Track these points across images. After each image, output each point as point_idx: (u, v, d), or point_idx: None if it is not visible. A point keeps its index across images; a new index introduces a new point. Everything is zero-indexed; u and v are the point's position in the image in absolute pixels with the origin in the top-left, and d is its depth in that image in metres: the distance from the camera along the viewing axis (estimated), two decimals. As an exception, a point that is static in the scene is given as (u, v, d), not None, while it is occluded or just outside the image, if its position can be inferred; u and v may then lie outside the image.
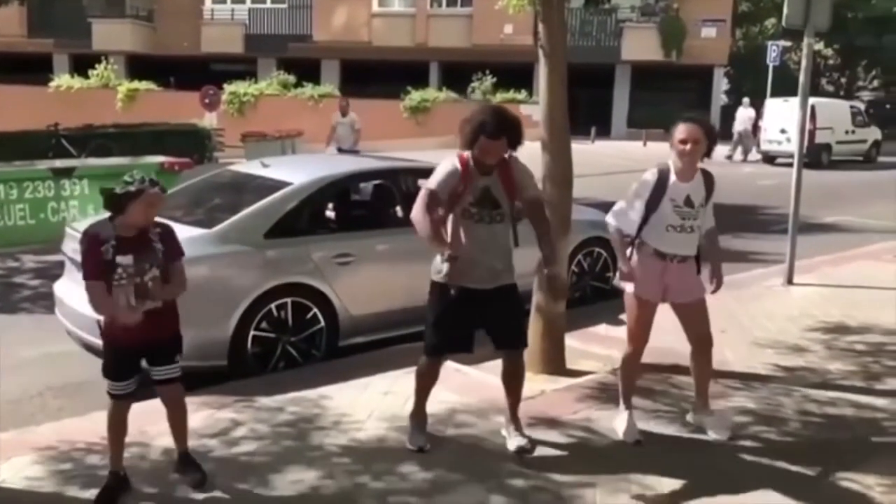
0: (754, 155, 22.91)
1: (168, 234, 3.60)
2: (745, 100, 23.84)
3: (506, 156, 3.99)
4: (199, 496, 3.65)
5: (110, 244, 3.40)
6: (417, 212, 3.86)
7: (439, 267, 4.01)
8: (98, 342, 5.03)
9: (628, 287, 4.23)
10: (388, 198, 6.39)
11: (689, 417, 4.49)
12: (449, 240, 3.94)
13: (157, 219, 3.59)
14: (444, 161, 4.01)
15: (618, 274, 4.34)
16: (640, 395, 4.86)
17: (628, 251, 4.23)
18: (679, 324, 4.36)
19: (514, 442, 4.12)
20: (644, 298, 4.20)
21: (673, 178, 4.09)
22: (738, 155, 22.77)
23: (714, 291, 4.36)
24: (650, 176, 4.12)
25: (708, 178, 4.18)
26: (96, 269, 3.41)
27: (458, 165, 3.95)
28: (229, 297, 5.19)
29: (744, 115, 22.99)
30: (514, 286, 4.12)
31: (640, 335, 4.28)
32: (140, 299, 3.46)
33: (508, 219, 4.03)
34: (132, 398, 3.69)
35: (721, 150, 23.96)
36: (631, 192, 4.19)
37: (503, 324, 4.09)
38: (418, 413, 4.27)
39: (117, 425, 3.67)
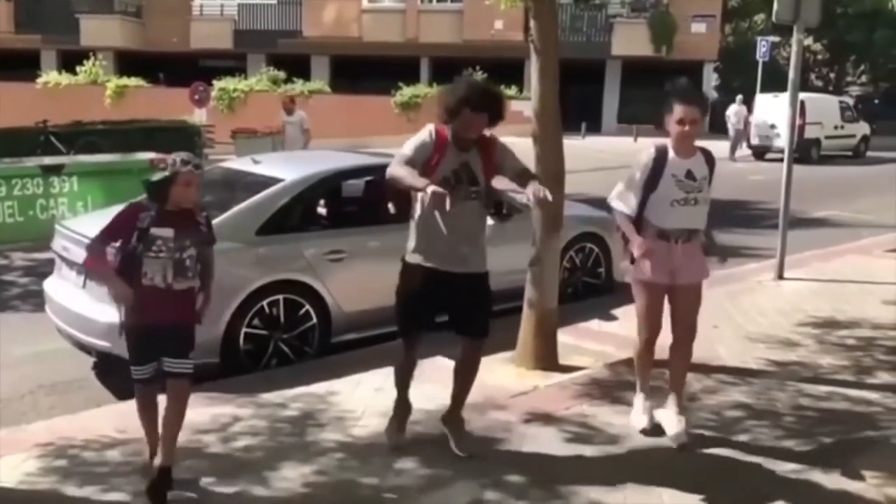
0: (744, 151, 22.98)
1: (210, 223, 3.69)
2: (739, 97, 23.72)
3: (486, 133, 3.92)
4: (195, 493, 3.63)
5: (150, 213, 3.43)
6: (394, 168, 3.75)
7: (412, 241, 3.95)
8: (89, 339, 5.03)
9: (635, 274, 4.16)
10: (379, 194, 6.35)
11: (660, 414, 4.35)
12: (418, 213, 3.86)
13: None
14: (422, 130, 3.89)
15: (623, 265, 4.27)
16: (635, 392, 4.88)
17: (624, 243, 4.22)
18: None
19: (463, 446, 4.04)
20: (653, 282, 4.13)
21: (672, 154, 4.07)
22: (738, 152, 22.44)
23: (723, 261, 4.33)
24: (647, 156, 4.08)
25: (708, 156, 4.15)
26: (115, 229, 3.47)
27: (434, 135, 3.84)
28: (221, 294, 5.11)
29: (738, 111, 22.80)
30: (484, 275, 4.01)
31: (652, 323, 4.22)
32: (178, 276, 3.47)
33: (482, 200, 3.94)
34: (156, 384, 3.65)
35: (721, 147, 24.14)
36: (630, 173, 4.14)
37: (468, 311, 3.98)
38: (399, 406, 4.17)
39: (143, 412, 3.71)
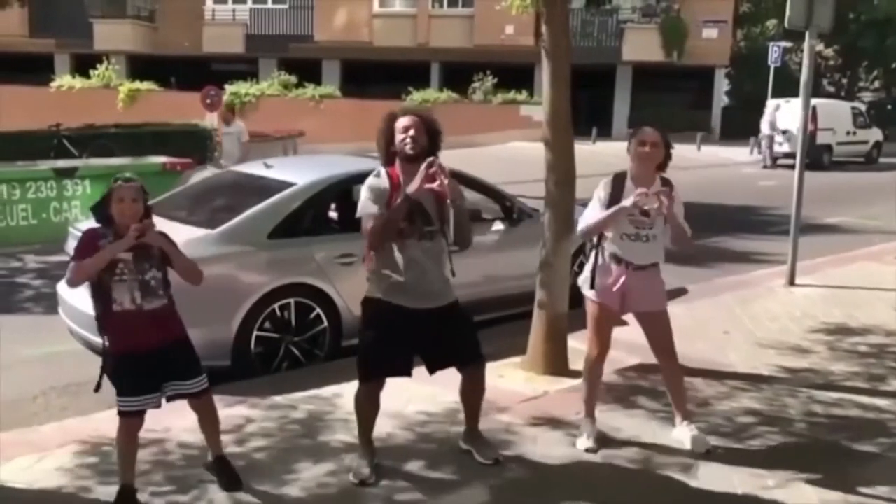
0: (757, 156, 22.89)
1: (164, 233, 3.53)
2: (776, 102, 22.92)
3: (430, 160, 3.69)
4: (212, 493, 3.65)
5: (108, 239, 3.40)
6: (367, 232, 3.68)
7: (374, 281, 3.80)
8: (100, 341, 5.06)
9: (588, 292, 4.19)
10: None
11: (674, 433, 4.34)
12: (380, 257, 3.73)
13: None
14: (367, 182, 3.76)
15: (581, 278, 4.28)
16: (645, 396, 4.88)
17: (591, 256, 4.22)
18: (682, 326, 4.33)
19: (487, 454, 4.01)
20: (603, 303, 4.15)
21: (629, 183, 4.06)
22: (765, 157, 21.97)
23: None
24: (603, 184, 4.11)
25: (667, 186, 4.06)
26: (81, 253, 3.40)
27: (384, 177, 3.73)
28: (233, 298, 5.19)
29: (768, 117, 22.05)
30: (455, 303, 3.87)
31: (598, 341, 4.24)
32: (146, 297, 3.44)
33: (440, 234, 3.77)
34: (143, 417, 3.54)
35: (731, 153, 24.04)
36: (591, 203, 4.16)
37: (454, 341, 3.85)
38: (364, 442, 3.95)
39: (125, 445, 3.55)
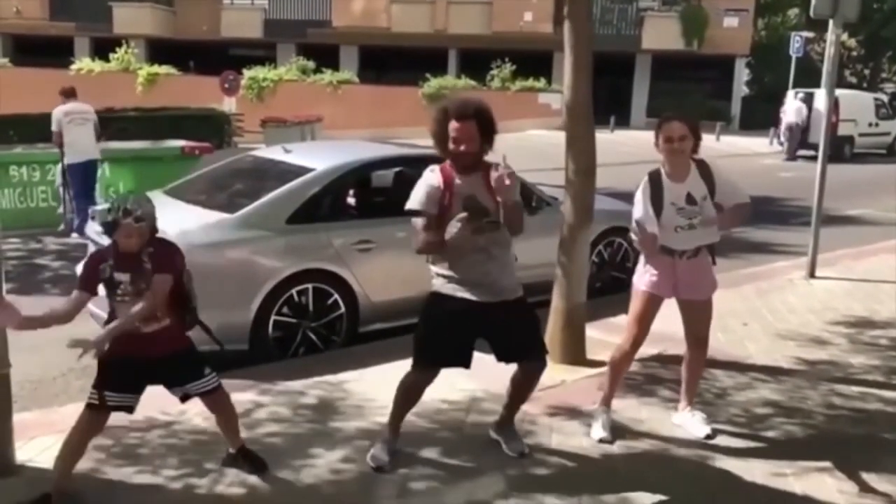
0: (777, 147, 22.63)
1: (159, 253, 3.43)
2: (791, 92, 22.54)
3: (489, 160, 3.72)
4: (215, 477, 3.67)
5: (108, 263, 3.37)
6: (420, 244, 3.70)
7: (437, 275, 3.78)
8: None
9: (638, 282, 4.16)
10: (408, 185, 6.33)
11: (675, 419, 4.37)
12: (437, 257, 3.73)
13: (162, 236, 3.52)
14: (423, 177, 3.75)
15: (635, 276, 4.23)
16: (665, 387, 4.87)
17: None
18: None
19: (515, 447, 4.01)
20: (653, 293, 4.12)
21: (666, 180, 4.03)
22: (790, 149, 21.30)
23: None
24: (642, 186, 4.07)
25: (704, 168, 4.06)
26: (84, 280, 3.38)
27: (438, 173, 3.70)
28: (251, 282, 5.21)
29: (797, 107, 21.33)
30: (522, 298, 3.86)
31: (639, 333, 4.21)
32: (145, 321, 3.38)
33: (499, 224, 3.70)
34: (108, 415, 3.48)
35: (751, 143, 23.81)
36: (635, 205, 4.09)
37: (520, 338, 3.84)
38: (393, 429, 3.96)
39: (78, 441, 3.45)
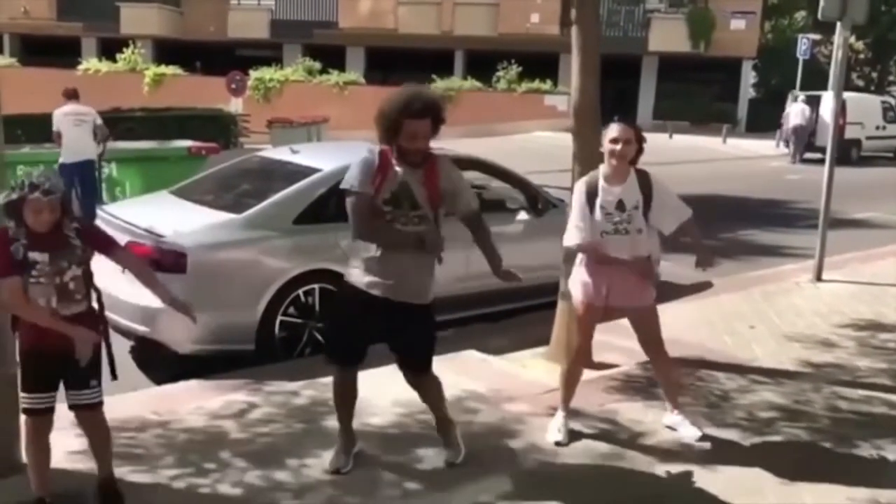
0: (781, 149, 22.58)
1: (87, 230, 3.31)
2: (796, 94, 22.48)
3: (435, 151, 3.66)
4: (217, 477, 3.68)
5: (20, 242, 3.11)
6: (357, 227, 3.56)
7: (353, 265, 3.69)
8: (128, 324, 5.11)
9: (574, 292, 4.18)
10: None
11: (665, 420, 4.37)
12: (356, 242, 3.63)
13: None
14: (361, 157, 3.63)
15: (568, 281, 4.24)
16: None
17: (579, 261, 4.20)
18: (708, 319, 4.31)
19: (447, 455, 3.89)
20: (587, 302, 4.13)
21: (602, 183, 4.04)
22: (796, 152, 21.18)
23: (704, 268, 4.30)
24: (579, 186, 4.11)
25: (643, 178, 4.06)
26: (4, 266, 3.10)
27: (376, 156, 3.58)
28: (258, 282, 5.21)
29: (799, 109, 21.25)
30: (428, 307, 3.72)
31: (584, 339, 4.25)
32: (63, 301, 3.18)
33: (430, 225, 3.61)
34: (50, 415, 3.29)
35: (758, 146, 23.75)
36: (572, 211, 4.13)
37: (409, 347, 3.76)
38: (342, 431, 3.88)
39: (35, 446, 3.31)
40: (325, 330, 3.81)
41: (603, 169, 4.08)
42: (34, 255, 3.11)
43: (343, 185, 3.60)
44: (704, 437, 4.19)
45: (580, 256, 4.18)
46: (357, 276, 3.66)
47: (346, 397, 3.84)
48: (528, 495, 3.65)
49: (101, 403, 3.34)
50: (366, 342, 3.73)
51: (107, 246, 3.38)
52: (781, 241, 10.22)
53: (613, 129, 4.01)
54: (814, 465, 3.98)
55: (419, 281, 3.65)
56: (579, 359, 4.33)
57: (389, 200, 3.55)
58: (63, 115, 9.65)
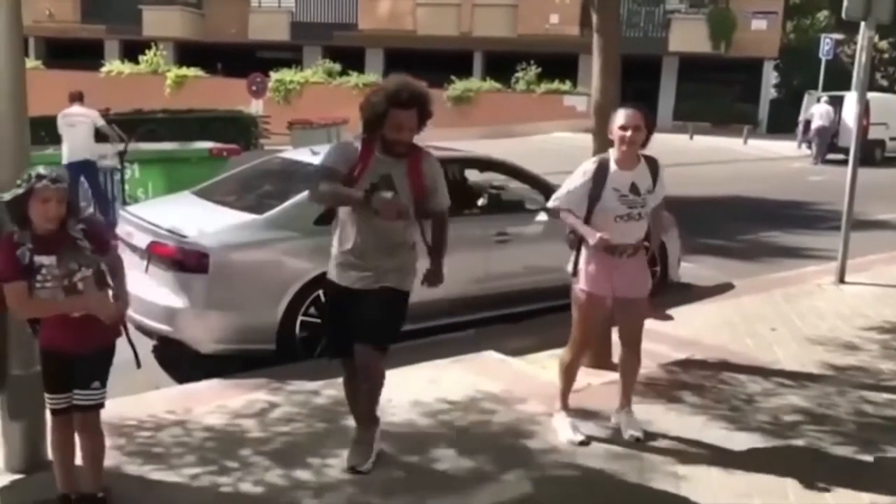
0: (805, 151, 22.35)
1: (94, 229, 3.23)
2: (817, 94, 22.36)
3: (419, 145, 3.66)
4: (238, 476, 3.70)
5: (26, 247, 3.04)
6: (317, 187, 3.54)
7: (331, 260, 3.72)
8: (151, 323, 5.16)
9: (578, 283, 4.14)
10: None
11: (613, 418, 4.34)
12: (337, 233, 3.63)
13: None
14: (342, 141, 3.62)
15: (570, 267, 4.18)
16: (689, 392, 4.83)
17: (582, 252, 4.12)
18: (729, 321, 4.27)
19: (353, 460, 3.73)
20: (596, 294, 4.09)
21: (613, 167, 4.03)
22: (819, 152, 20.89)
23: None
24: (590, 164, 4.08)
25: (652, 164, 4.11)
26: (9, 270, 3.04)
27: (360, 145, 3.58)
28: (279, 283, 5.24)
29: (824, 110, 20.97)
30: (401, 293, 3.67)
31: (587, 335, 4.21)
32: (73, 306, 3.14)
33: (407, 216, 3.58)
34: (72, 415, 3.28)
35: (779, 147, 23.55)
36: (570, 178, 4.11)
37: (367, 316, 3.61)
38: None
39: (60, 444, 3.34)
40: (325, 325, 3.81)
41: (613, 154, 4.07)
42: (41, 259, 3.05)
43: (319, 162, 3.56)
44: (637, 438, 4.14)
45: (585, 249, 4.11)
46: (335, 271, 3.68)
47: (354, 391, 3.85)
48: (547, 496, 3.64)
49: (99, 406, 3.26)
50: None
51: (101, 247, 3.25)
52: (803, 242, 10.12)
53: (621, 116, 4.01)
54: (838, 470, 3.93)
55: (395, 264, 3.64)
56: (582, 352, 4.28)
57: (370, 191, 3.48)
58: (62, 117, 9.92)
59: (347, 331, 3.70)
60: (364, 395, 3.81)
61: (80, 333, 3.17)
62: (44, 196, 3.00)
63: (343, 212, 3.65)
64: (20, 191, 3.01)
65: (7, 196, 3.05)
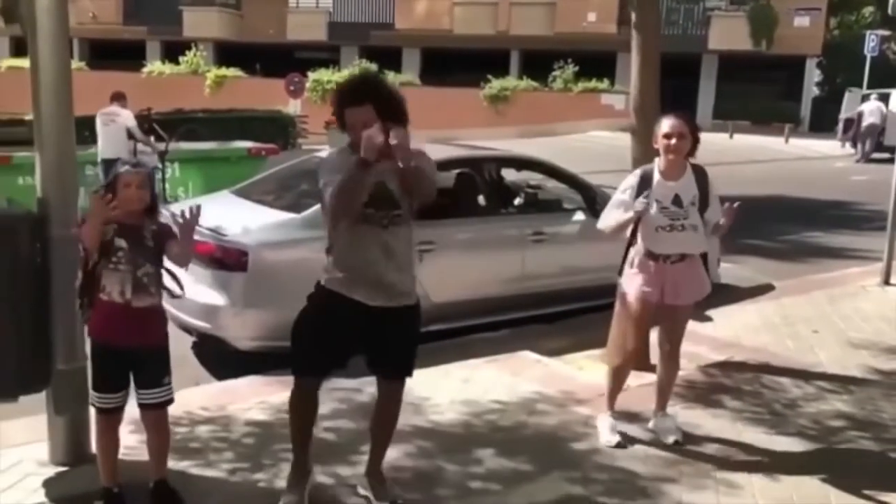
0: (850, 150, 21.91)
1: (163, 233, 3.29)
2: (864, 92, 22.08)
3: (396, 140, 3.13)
4: (275, 472, 3.72)
5: (112, 226, 3.19)
6: (328, 200, 3.16)
7: (332, 269, 3.34)
8: (190, 320, 5.23)
9: (624, 286, 4.10)
10: (470, 186, 6.38)
11: (651, 422, 4.28)
12: (335, 246, 3.29)
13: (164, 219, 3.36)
14: (335, 151, 3.35)
15: (621, 270, 4.13)
16: (729, 395, 4.76)
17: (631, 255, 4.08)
18: (770, 323, 4.20)
19: (384, 495, 3.46)
20: (643, 298, 4.03)
21: (657, 177, 3.97)
22: (865, 150, 20.59)
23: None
24: (632, 178, 4.05)
25: (700, 174, 4.01)
26: (92, 239, 3.16)
27: (352, 150, 3.18)
28: (315, 281, 5.26)
29: (875, 107, 20.66)
30: (414, 307, 3.41)
31: (636, 339, 4.15)
32: (137, 293, 3.22)
33: (408, 220, 3.32)
34: (120, 413, 3.35)
35: (822, 146, 23.15)
36: (615, 196, 4.11)
37: (392, 348, 3.38)
38: (296, 466, 3.46)
39: (105, 439, 3.35)
40: (295, 336, 3.48)
41: (658, 163, 4.03)
42: (119, 242, 3.20)
43: (321, 182, 3.24)
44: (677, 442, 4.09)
45: (633, 252, 4.10)
46: (338, 283, 3.32)
47: (307, 414, 3.47)
48: (584, 498, 3.61)
49: (170, 402, 3.35)
50: (349, 353, 3.43)
51: (163, 252, 3.31)
52: (847, 243, 9.92)
53: (665, 125, 3.97)
54: (882, 477, 3.85)
55: (405, 282, 3.36)
56: (632, 359, 4.25)
57: (368, 203, 3.18)
58: (99, 115, 10.13)
59: (343, 352, 3.40)
60: (387, 434, 3.58)
61: (143, 325, 3.24)
62: (126, 180, 3.21)
63: (345, 225, 3.26)
64: (109, 180, 3.25)
65: (99, 188, 3.27)
